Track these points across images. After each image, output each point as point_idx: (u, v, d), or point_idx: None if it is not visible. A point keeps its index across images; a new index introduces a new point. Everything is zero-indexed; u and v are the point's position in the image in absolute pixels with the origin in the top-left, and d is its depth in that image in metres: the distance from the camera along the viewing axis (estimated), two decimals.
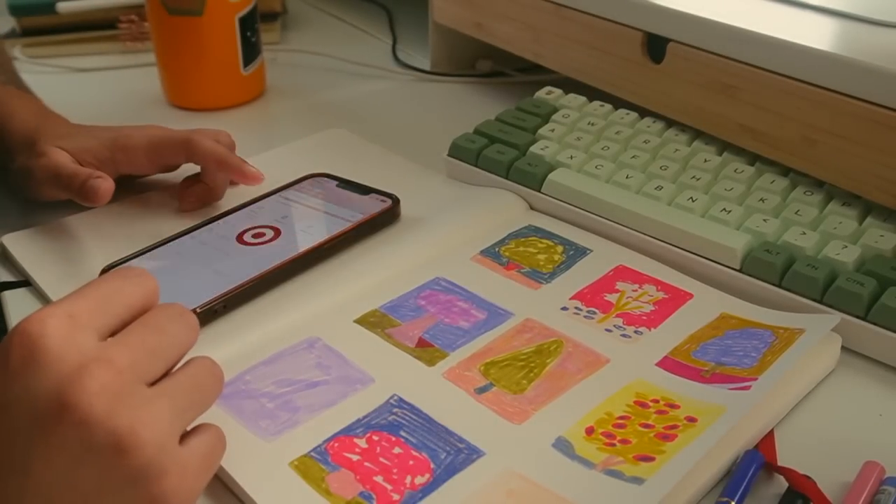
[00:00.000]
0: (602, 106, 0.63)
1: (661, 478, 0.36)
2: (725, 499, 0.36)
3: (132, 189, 0.59)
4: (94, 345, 0.31)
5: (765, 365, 0.41)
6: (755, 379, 0.40)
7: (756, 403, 0.39)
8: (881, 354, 0.44)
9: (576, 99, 0.64)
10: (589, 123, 0.61)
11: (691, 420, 0.39)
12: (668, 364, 0.43)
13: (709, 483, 0.37)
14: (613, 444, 0.38)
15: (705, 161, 0.55)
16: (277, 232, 0.53)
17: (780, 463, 0.38)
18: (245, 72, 0.75)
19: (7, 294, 0.51)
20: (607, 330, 0.46)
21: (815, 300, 0.45)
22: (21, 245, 0.54)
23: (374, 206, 0.56)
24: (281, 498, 0.36)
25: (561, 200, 0.56)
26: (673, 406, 0.40)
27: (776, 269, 0.46)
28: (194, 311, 0.46)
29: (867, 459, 0.38)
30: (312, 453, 0.38)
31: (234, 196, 0.58)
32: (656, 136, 0.59)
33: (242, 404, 0.41)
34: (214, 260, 0.51)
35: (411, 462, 0.38)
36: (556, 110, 0.64)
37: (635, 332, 0.46)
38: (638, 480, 0.36)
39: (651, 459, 0.37)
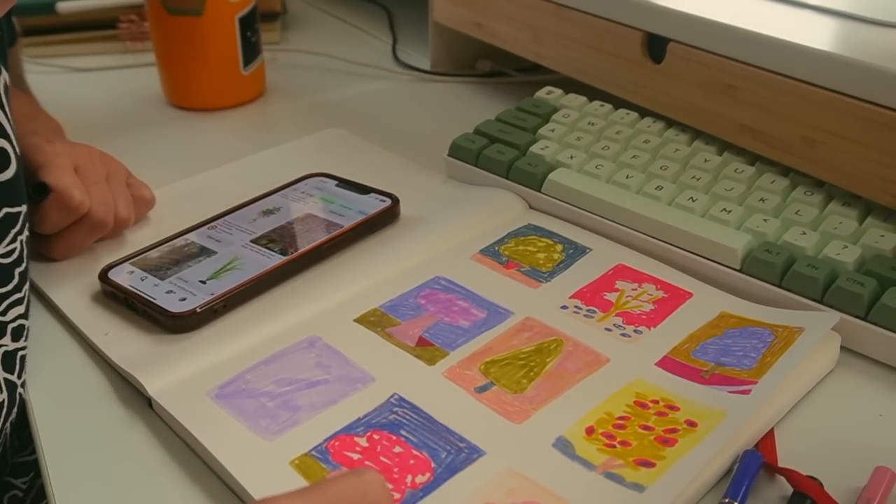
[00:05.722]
0: (602, 106, 0.63)
1: (662, 487, 0.36)
2: (728, 500, 0.36)
3: None
4: None
5: (764, 367, 0.41)
6: (755, 382, 0.40)
7: (756, 409, 0.39)
8: (881, 354, 0.44)
9: (576, 99, 0.64)
10: (589, 123, 0.61)
11: (691, 424, 0.39)
12: (668, 364, 0.43)
13: (708, 483, 0.37)
14: (613, 446, 0.38)
15: (705, 161, 0.55)
16: (277, 231, 0.54)
17: (780, 463, 0.38)
18: (245, 72, 0.75)
19: None
20: (607, 329, 0.46)
21: (815, 300, 0.45)
22: None
23: (373, 205, 0.56)
24: None
25: (561, 200, 0.56)
26: (673, 408, 0.40)
27: (776, 269, 0.47)
28: (194, 310, 0.46)
29: (867, 460, 0.38)
30: (313, 452, 0.38)
31: (233, 196, 0.58)
32: (656, 136, 0.59)
33: (243, 403, 0.41)
34: (214, 259, 0.51)
35: (412, 461, 0.38)
36: (556, 110, 0.64)
37: (635, 331, 0.46)
38: (638, 487, 0.36)
39: (651, 465, 0.37)
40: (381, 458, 0.38)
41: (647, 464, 0.37)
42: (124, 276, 0.49)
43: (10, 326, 0.44)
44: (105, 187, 0.53)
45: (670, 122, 0.60)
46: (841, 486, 0.37)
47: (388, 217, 0.56)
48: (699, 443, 0.38)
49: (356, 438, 0.39)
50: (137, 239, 0.54)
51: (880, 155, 0.47)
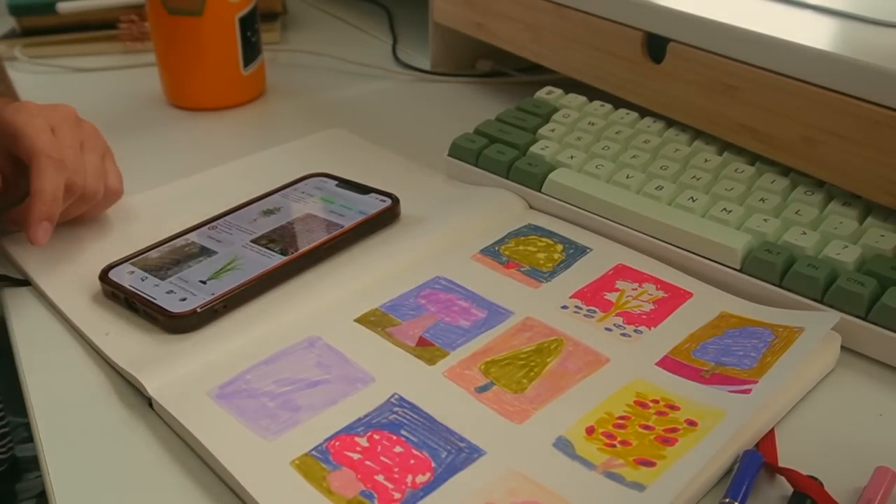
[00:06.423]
0: (602, 106, 0.63)
1: (662, 486, 0.36)
2: (728, 499, 0.36)
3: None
4: None
5: (765, 366, 0.41)
6: (755, 382, 0.40)
7: (756, 408, 0.39)
8: (881, 354, 0.44)
9: (576, 99, 0.64)
10: (589, 123, 0.61)
11: (692, 423, 0.39)
12: (668, 364, 0.43)
13: (708, 482, 0.37)
14: (614, 445, 0.38)
15: (705, 161, 0.55)
16: (277, 231, 0.54)
17: (780, 463, 0.38)
18: (245, 72, 0.75)
19: (7, 293, 0.51)
20: (607, 329, 0.46)
21: (815, 300, 0.45)
22: (22, 246, 0.54)
23: (373, 205, 0.56)
24: (282, 497, 0.36)
25: (561, 200, 0.56)
26: (673, 407, 0.40)
27: (777, 268, 0.47)
28: (194, 310, 0.46)
29: (868, 460, 0.38)
30: (313, 452, 0.38)
31: (233, 196, 0.58)
32: (656, 135, 0.59)
33: (243, 404, 0.41)
34: (214, 259, 0.51)
35: (412, 461, 0.38)
36: (556, 110, 0.64)
37: (635, 330, 0.46)
38: (639, 486, 0.36)
39: (652, 464, 0.37)
40: (382, 458, 0.38)
41: (648, 463, 0.37)
42: (125, 277, 0.49)
43: None
44: (79, 153, 0.52)
45: (670, 122, 0.60)
46: (841, 486, 0.37)
47: (388, 217, 0.56)
48: (699, 442, 0.38)
49: (356, 438, 0.39)
50: (137, 239, 0.54)
51: (880, 155, 0.47)
